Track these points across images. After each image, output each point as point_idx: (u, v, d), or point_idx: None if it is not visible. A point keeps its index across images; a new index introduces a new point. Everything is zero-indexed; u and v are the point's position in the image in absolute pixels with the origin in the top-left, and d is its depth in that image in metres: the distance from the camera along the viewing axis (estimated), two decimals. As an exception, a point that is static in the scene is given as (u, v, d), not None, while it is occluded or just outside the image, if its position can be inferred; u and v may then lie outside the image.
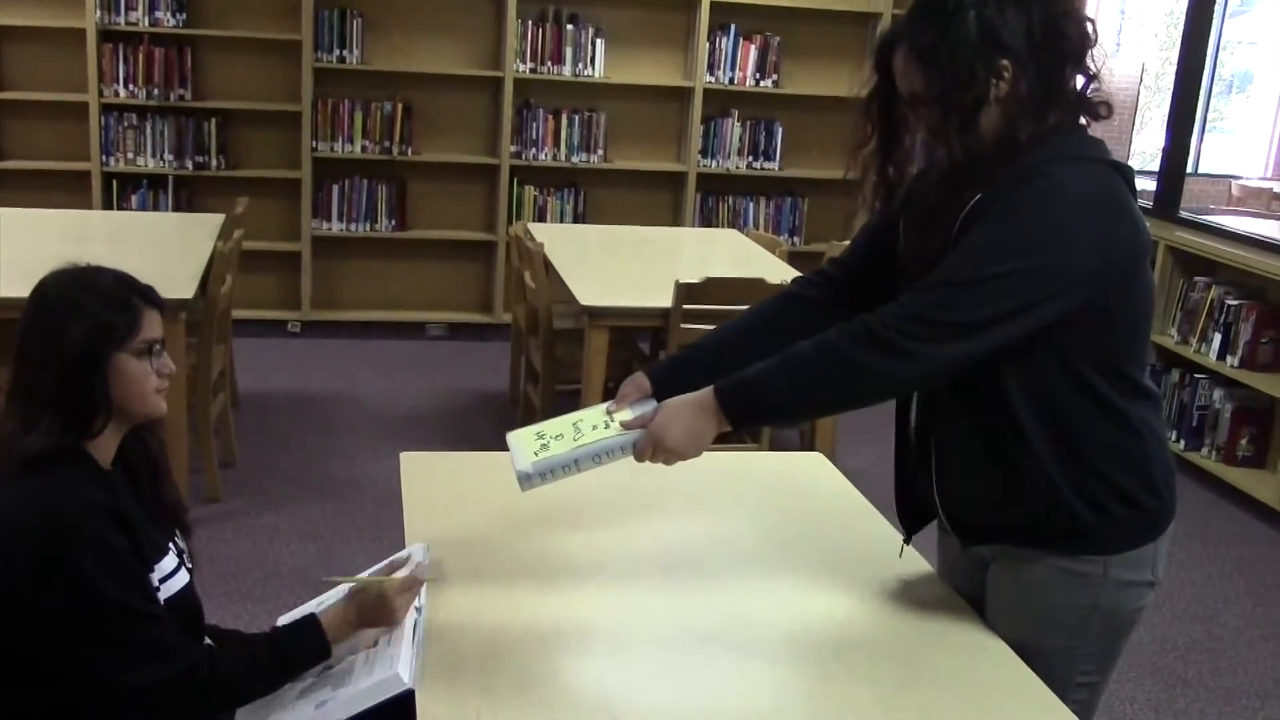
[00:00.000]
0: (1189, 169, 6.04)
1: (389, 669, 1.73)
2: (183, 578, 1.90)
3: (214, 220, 5.04)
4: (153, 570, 1.83)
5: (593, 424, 1.97)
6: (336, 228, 6.54)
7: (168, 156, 6.28)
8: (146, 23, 6.10)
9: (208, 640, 1.98)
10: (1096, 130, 1.89)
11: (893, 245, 2.02)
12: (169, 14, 6.11)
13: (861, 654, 1.91)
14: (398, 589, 1.86)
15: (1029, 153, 1.79)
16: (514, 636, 1.89)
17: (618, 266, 5.02)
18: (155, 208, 6.32)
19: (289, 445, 4.94)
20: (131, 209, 6.27)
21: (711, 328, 2.21)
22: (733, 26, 6.69)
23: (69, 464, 1.78)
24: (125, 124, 6.22)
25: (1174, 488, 1.95)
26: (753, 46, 6.73)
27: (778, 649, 1.92)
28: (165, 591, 1.84)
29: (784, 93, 6.82)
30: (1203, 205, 8.73)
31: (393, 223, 6.60)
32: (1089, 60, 1.82)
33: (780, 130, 6.88)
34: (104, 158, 6.20)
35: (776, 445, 4.60)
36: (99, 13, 6.00)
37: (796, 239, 6.98)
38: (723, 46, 6.70)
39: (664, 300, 4.11)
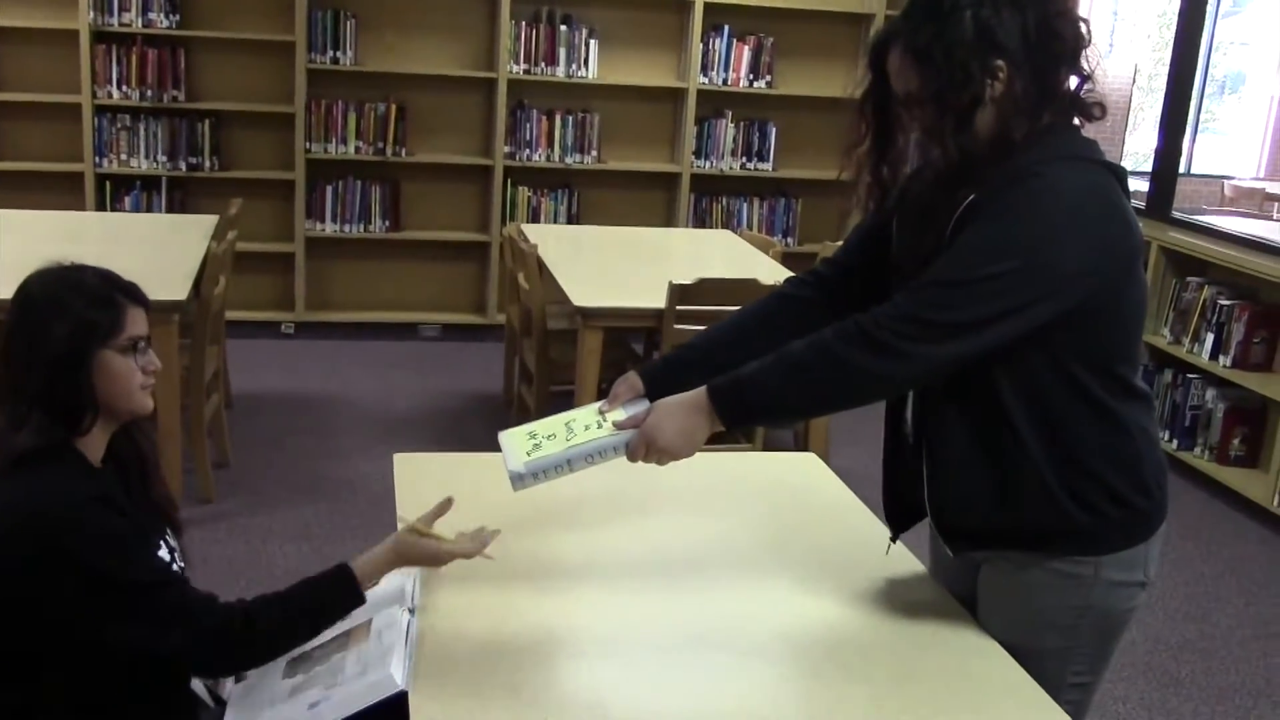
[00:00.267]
0: (1181, 169, 6.04)
1: (382, 670, 1.73)
2: (175, 576, 1.90)
3: (207, 221, 5.03)
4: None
5: (585, 424, 1.97)
6: (330, 229, 6.53)
7: (161, 158, 6.27)
8: (140, 24, 6.09)
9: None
10: (1090, 131, 1.90)
11: (886, 245, 2.02)
12: (162, 15, 6.10)
13: (854, 654, 1.91)
14: (458, 551, 1.89)
15: (1023, 153, 1.79)
16: (507, 637, 1.89)
17: (611, 267, 5.02)
18: (149, 209, 6.31)
19: (282, 446, 4.94)
20: (125, 210, 6.26)
21: (705, 328, 2.21)
22: (726, 27, 6.69)
23: (59, 461, 1.78)
24: (118, 125, 6.21)
25: (1166, 488, 1.95)
26: (746, 47, 6.74)
27: (771, 649, 1.92)
28: None
29: (777, 93, 6.82)
30: (1195, 206, 8.76)
31: (386, 224, 6.60)
32: (1083, 61, 1.83)
33: (774, 131, 6.89)
34: (97, 159, 6.19)
35: (770, 445, 4.61)
36: (92, 14, 6.00)
37: (790, 239, 6.99)
38: (716, 47, 6.71)
39: (657, 301, 4.11)
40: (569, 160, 6.70)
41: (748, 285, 3.99)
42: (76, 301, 1.80)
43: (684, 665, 1.85)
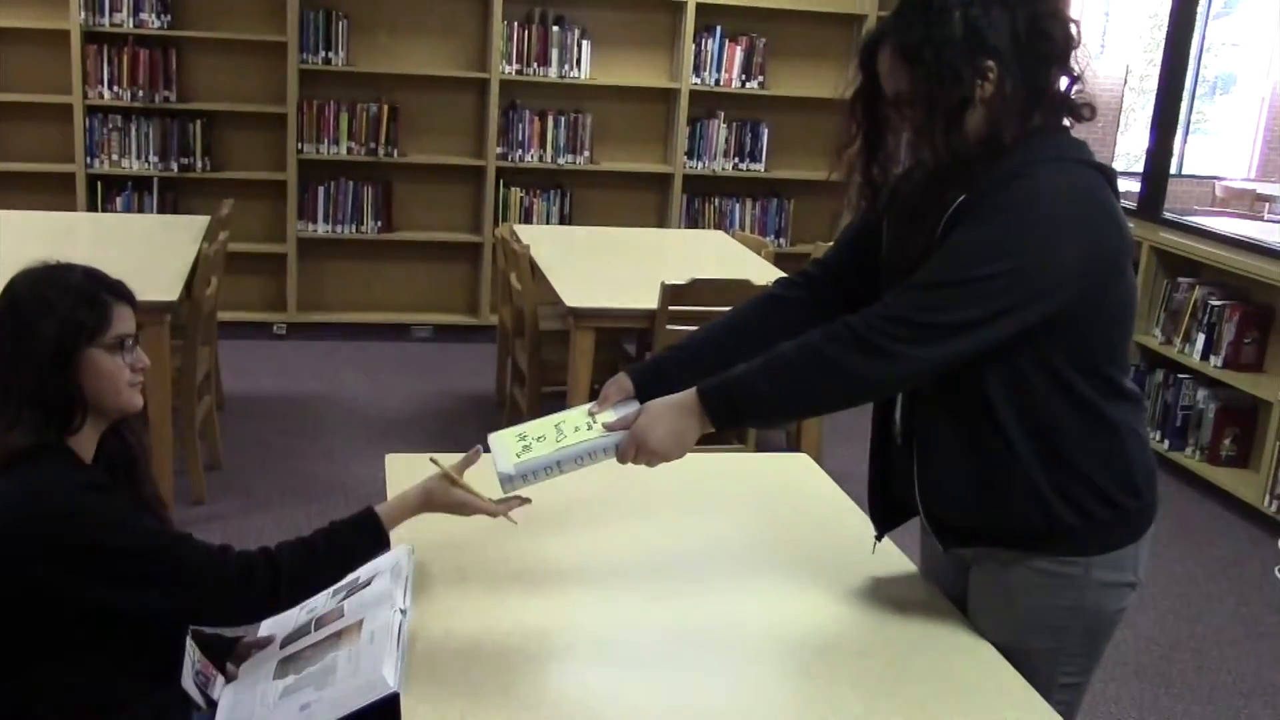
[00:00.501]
0: (1173, 170, 6.07)
1: (374, 671, 1.73)
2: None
3: (199, 222, 5.02)
4: None
5: (575, 425, 1.97)
6: (322, 229, 6.53)
7: (152, 158, 6.26)
8: (131, 24, 6.08)
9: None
10: (1081, 131, 1.90)
11: (876, 246, 2.02)
12: (153, 15, 6.09)
13: (846, 654, 1.91)
14: (485, 508, 1.94)
15: (1013, 154, 1.79)
16: (499, 638, 1.89)
17: (603, 268, 5.02)
18: (140, 210, 6.30)
19: (274, 447, 4.93)
20: (116, 211, 6.24)
21: (695, 329, 2.21)
22: (718, 28, 6.69)
23: (52, 459, 1.78)
24: (110, 126, 6.20)
25: (1155, 489, 1.95)
26: (738, 48, 6.74)
27: (763, 649, 1.92)
28: None
29: (769, 94, 6.83)
30: (1186, 206, 8.78)
31: (378, 224, 6.59)
32: (1073, 61, 1.83)
33: (766, 131, 6.89)
34: (88, 159, 6.18)
35: (762, 446, 4.61)
36: (83, 14, 5.98)
37: (782, 240, 6.99)
38: (708, 48, 6.71)
39: (650, 302, 4.11)
40: (561, 161, 6.70)
41: (740, 286, 3.99)
42: (63, 300, 1.80)
43: (676, 665, 1.86)
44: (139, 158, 6.26)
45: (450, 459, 2.00)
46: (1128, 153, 10.60)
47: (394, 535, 2.04)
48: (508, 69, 6.50)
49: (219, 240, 4.53)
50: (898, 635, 1.98)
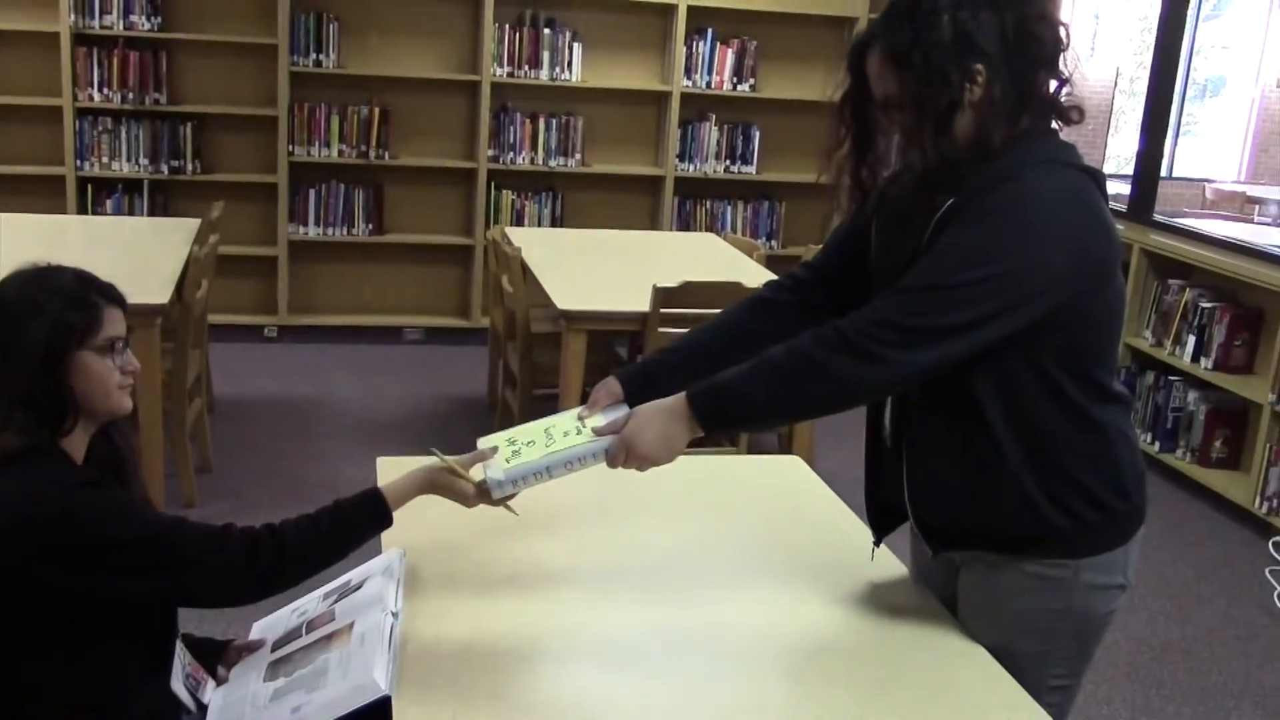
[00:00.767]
0: (1163, 172, 6.07)
1: (365, 675, 1.73)
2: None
3: (190, 225, 5.01)
4: None
5: (564, 430, 1.97)
6: (313, 232, 6.52)
7: (143, 161, 6.25)
8: (121, 26, 6.07)
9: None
10: (1072, 134, 1.90)
11: (865, 248, 2.02)
12: (144, 17, 6.08)
13: (837, 657, 1.91)
14: (485, 500, 1.96)
15: (1001, 157, 1.79)
16: (490, 641, 1.88)
17: (595, 270, 5.02)
18: (130, 212, 6.29)
19: (265, 450, 4.92)
20: (106, 213, 6.23)
21: (685, 333, 2.21)
22: (710, 30, 6.70)
23: (44, 461, 1.79)
24: (100, 128, 6.19)
25: (1144, 491, 1.95)
26: (730, 50, 6.75)
27: (755, 652, 1.93)
28: None
29: (761, 96, 6.83)
30: (1177, 208, 8.80)
31: (370, 227, 6.58)
32: (1061, 64, 1.83)
33: (757, 134, 6.90)
34: (78, 162, 6.17)
35: (754, 449, 4.61)
36: (73, 16, 5.97)
37: (774, 242, 7.00)
38: (700, 50, 6.72)
39: (641, 304, 4.11)
40: (553, 163, 6.70)
41: (732, 288, 3.99)
42: (53, 303, 1.79)
43: (667, 668, 1.86)
44: (129, 160, 6.25)
45: (452, 458, 2.00)
46: (1118, 155, 10.62)
47: (386, 539, 2.05)
48: (499, 71, 6.50)
49: (209, 243, 4.52)
50: (890, 637, 1.98)
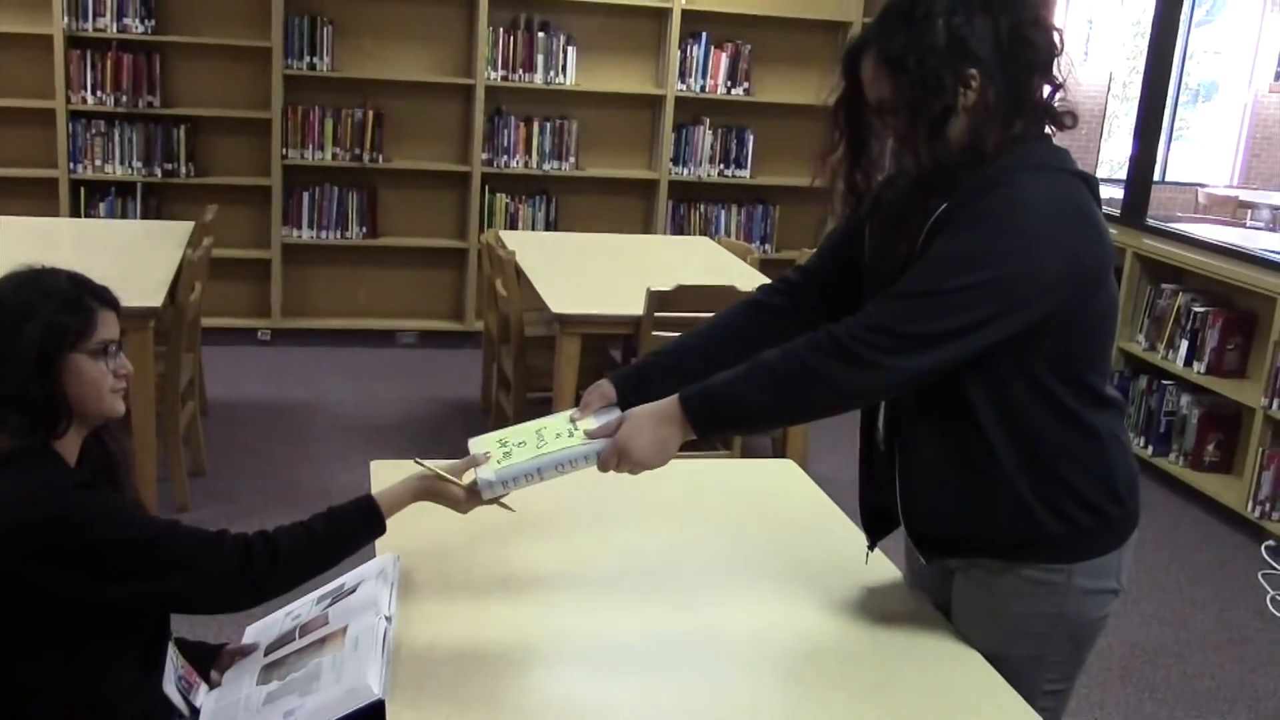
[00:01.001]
0: (1156, 177, 6.09)
1: (358, 678, 1.72)
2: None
3: (183, 228, 5.00)
4: None
5: (556, 432, 1.97)
6: (307, 235, 6.51)
7: (136, 163, 6.24)
8: (115, 29, 6.06)
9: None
10: (1065, 139, 1.90)
11: (858, 253, 2.02)
12: (137, 20, 6.07)
13: (832, 661, 1.91)
14: (477, 503, 1.96)
15: (995, 162, 1.79)
16: (484, 646, 1.88)
17: (589, 274, 5.02)
18: (123, 215, 6.28)
19: (259, 454, 4.91)
20: (99, 216, 6.22)
21: (674, 336, 2.21)
22: (704, 34, 6.71)
23: (38, 463, 1.79)
24: (93, 131, 6.18)
25: (1138, 496, 1.95)
26: (724, 54, 6.76)
27: (749, 656, 1.92)
28: None
29: (755, 100, 6.84)
30: (1170, 213, 8.82)
31: (364, 230, 6.58)
32: (1055, 69, 1.83)
33: (751, 138, 6.90)
34: (71, 165, 6.16)
35: (748, 452, 4.61)
36: (66, 19, 5.96)
37: (768, 246, 7.00)
38: (694, 54, 6.72)
39: (635, 308, 4.11)
40: (547, 167, 6.70)
41: (726, 292, 4.00)
42: (47, 305, 1.80)
43: (661, 673, 1.85)
44: (122, 163, 6.24)
45: (438, 464, 2.00)
46: (1111, 159, 10.65)
47: (380, 542, 2.04)
48: (493, 75, 6.50)
49: (203, 246, 4.52)
50: (884, 642, 1.98)
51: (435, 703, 1.72)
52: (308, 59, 6.29)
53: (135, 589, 1.78)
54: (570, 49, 6.59)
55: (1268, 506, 4.75)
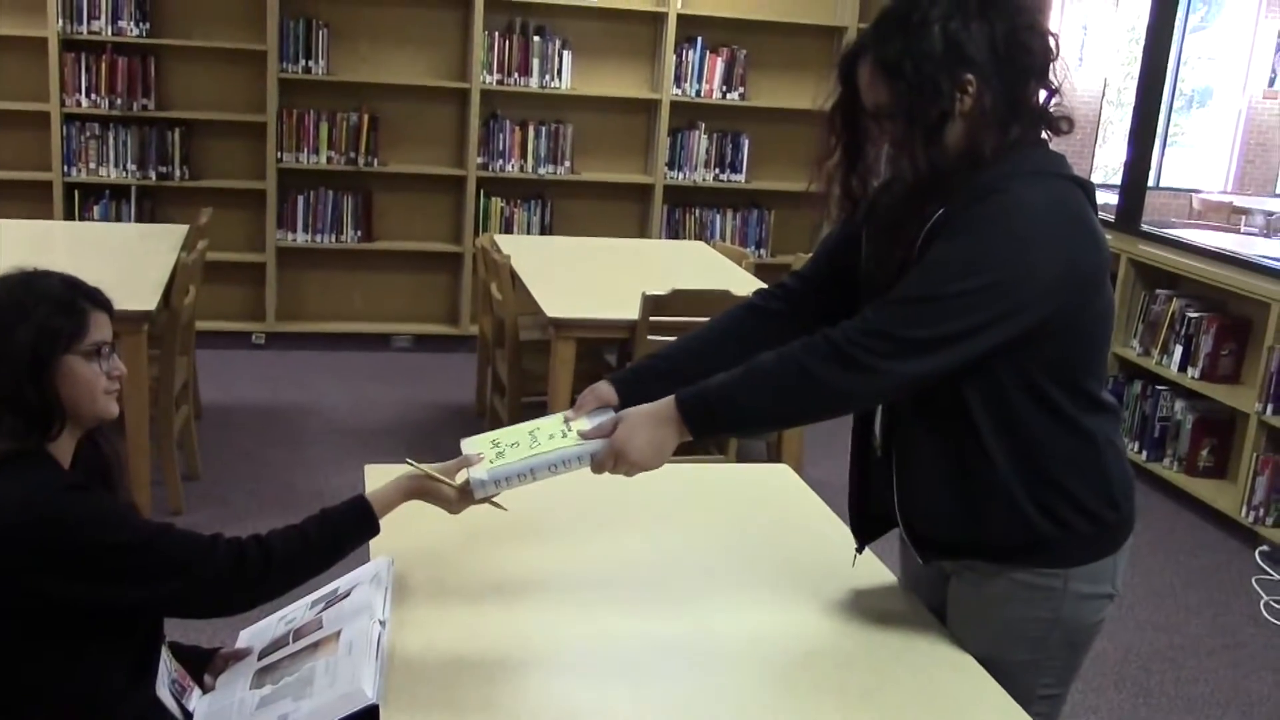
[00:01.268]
0: (1150, 182, 6.09)
1: (352, 683, 1.72)
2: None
3: (177, 231, 5.00)
4: None
5: (549, 433, 1.96)
6: (301, 239, 6.51)
7: (130, 167, 6.24)
8: (109, 32, 6.05)
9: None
10: (1060, 144, 1.90)
11: (855, 258, 2.02)
12: (132, 23, 6.07)
13: (826, 665, 1.91)
14: (468, 502, 1.95)
15: (992, 167, 1.79)
16: (479, 650, 1.88)
17: (584, 278, 5.02)
18: (118, 218, 6.27)
19: (253, 458, 4.90)
20: (94, 219, 6.21)
21: (671, 340, 2.20)
22: (699, 39, 6.71)
23: (33, 465, 1.78)
24: (87, 134, 6.17)
25: (1133, 501, 1.96)
26: (719, 59, 6.76)
27: (743, 661, 1.92)
28: None
29: (750, 105, 6.84)
30: (1164, 218, 8.82)
31: (358, 234, 6.57)
32: (1051, 74, 1.83)
33: (746, 142, 6.91)
34: (66, 168, 6.15)
35: (743, 457, 4.61)
36: (61, 22, 5.96)
37: (763, 251, 7.01)
38: (689, 59, 6.73)
39: (631, 312, 4.11)
40: (542, 171, 6.70)
41: (720, 296, 4.00)
42: (39, 307, 1.79)
43: (656, 677, 1.85)
44: (117, 166, 6.23)
45: (430, 466, 2.00)
46: (1106, 165, 10.66)
47: (374, 546, 2.04)
48: (489, 79, 6.50)
49: (197, 249, 4.51)
50: (878, 646, 1.98)
51: (430, 707, 1.72)
52: (303, 62, 6.29)
53: (129, 592, 1.77)
54: (566, 53, 6.59)
55: (1261, 512, 4.76)
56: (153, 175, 6.26)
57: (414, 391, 5.95)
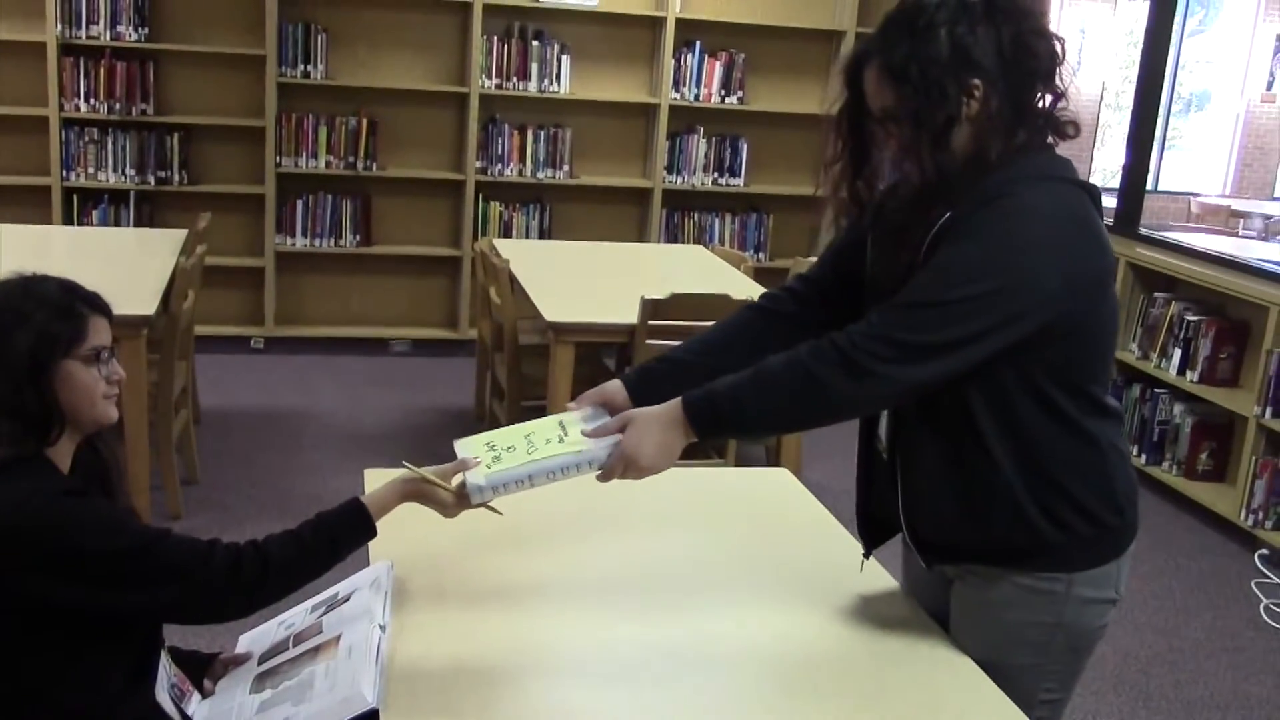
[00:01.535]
0: (1149, 186, 6.10)
1: (352, 687, 1.72)
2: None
3: (176, 235, 5.00)
4: None
5: (546, 437, 1.95)
6: (300, 243, 6.50)
7: (129, 171, 6.23)
8: (108, 36, 6.05)
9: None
10: (1062, 148, 1.90)
11: (860, 262, 2.02)
12: (131, 28, 6.07)
13: (827, 670, 1.91)
14: (464, 506, 1.95)
15: (998, 171, 1.79)
16: (478, 654, 1.87)
17: (583, 282, 5.02)
18: (117, 223, 6.26)
19: (252, 462, 4.90)
20: (92, 224, 6.21)
21: (677, 344, 2.20)
22: (698, 43, 6.71)
23: (31, 470, 1.78)
24: (86, 138, 6.16)
25: (1137, 506, 1.95)
26: (718, 63, 6.76)
27: (743, 665, 1.92)
28: None
29: (749, 109, 6.84)
30: (1163, 222, 8.84)
31: (357, 238, 6.57)
32: (1057, 78, 1.83)
33: (745, 146, 6.91)
34: (65, 172, 6.15)
35: (742, 461, 4.61)
36: (60, 26, 5.95)
37: (761, 255, 7.01)
38: (688, 63, 6.73)
39: (629, 316, 4.11)
40: (541, 175, 6.70)
41: (719, 300, 4.00)
42: (38, 312, 1.79)
43: (656, 681, 1.85)
44: (115, 170, 6.22)
45: (426, 469, 1.99)
46: (1104, 169, 10.67)
47: (374, 551, 2.04)
48: (487, 83, 6.50)
49: (196, 254, 4.50)
50: (880, 650, 1.98)
51: (429, 712, 1.71)
52: (302, 67, 6.29)
53: (127, 597, 1.77)
54: (564, 57, 6.59)
55: (1260, 515, 4.76)
56: (151, 180, 6.25)
57: (413, 396, 5.95)
